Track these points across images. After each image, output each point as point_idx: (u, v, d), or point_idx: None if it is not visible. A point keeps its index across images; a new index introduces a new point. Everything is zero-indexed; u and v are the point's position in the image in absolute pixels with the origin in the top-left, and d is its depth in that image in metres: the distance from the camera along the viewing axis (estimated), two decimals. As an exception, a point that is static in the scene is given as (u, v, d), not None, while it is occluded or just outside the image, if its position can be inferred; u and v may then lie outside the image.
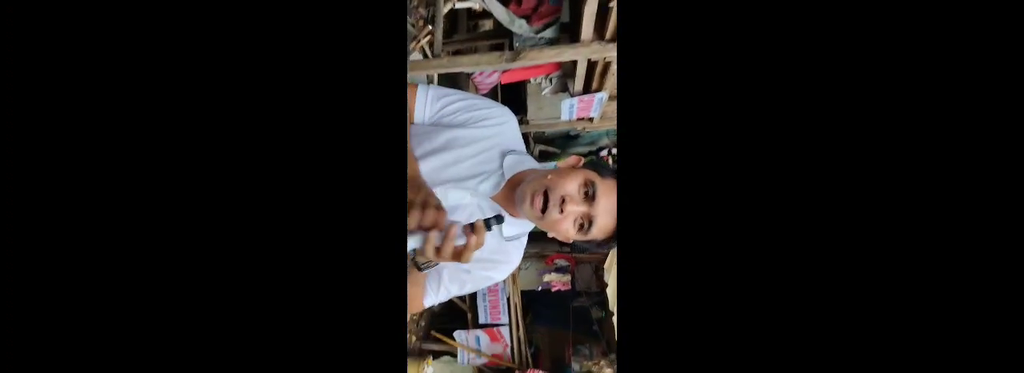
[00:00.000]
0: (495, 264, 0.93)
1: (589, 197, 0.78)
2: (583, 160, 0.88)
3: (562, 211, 0.77)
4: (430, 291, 0.93)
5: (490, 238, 0.83)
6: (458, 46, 3.28)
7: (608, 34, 2.05)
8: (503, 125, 0.93)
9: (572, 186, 0.78)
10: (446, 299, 0.95)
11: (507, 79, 2.77)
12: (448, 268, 0.91)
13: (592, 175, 0.80)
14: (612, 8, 1.85)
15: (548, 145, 4.29)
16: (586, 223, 0.79)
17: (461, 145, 0.88)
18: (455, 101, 0.92)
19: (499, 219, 0.72)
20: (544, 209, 0.78)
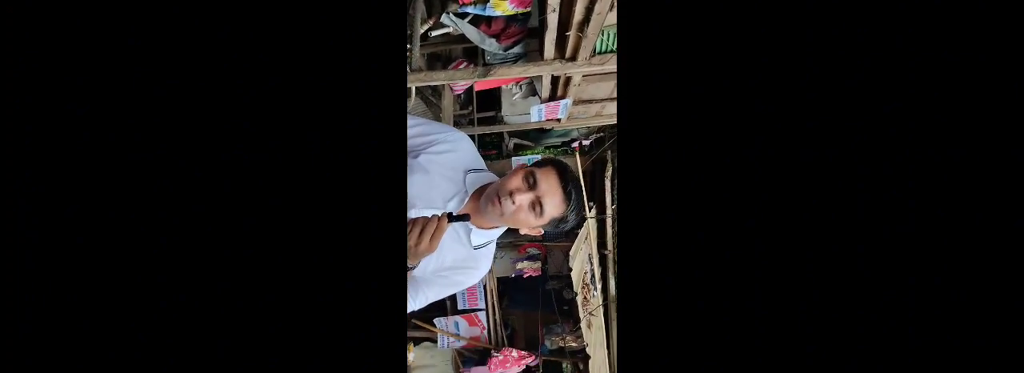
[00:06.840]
0: (466, 270, 1.06)
1: (532, 185, 0.91)
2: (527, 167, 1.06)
3: (514, 201, 0.90)
4: (410, 298, 1.04)
5: (460, 247, 1.03)
6: (433, 49, 3.47)
7: (568, 53, 2.30)
8: (457, 148, 1.04)
9: (516, 181, 0.92)
10: (425, 304, 1.08)
11: (480, 87, 3.01)
12: (425, 276, 1.04)
13: (530, 168, 0.94)
14: (569, 35, 2.09)
15: (522, 139, 4.54)
16: (538, 205, 0.91)
17: (424, 171, 1.00)
18: (412, 127, 1.04)
19: (463, 218, 0.87)
20: (503, 206, 0.92)
